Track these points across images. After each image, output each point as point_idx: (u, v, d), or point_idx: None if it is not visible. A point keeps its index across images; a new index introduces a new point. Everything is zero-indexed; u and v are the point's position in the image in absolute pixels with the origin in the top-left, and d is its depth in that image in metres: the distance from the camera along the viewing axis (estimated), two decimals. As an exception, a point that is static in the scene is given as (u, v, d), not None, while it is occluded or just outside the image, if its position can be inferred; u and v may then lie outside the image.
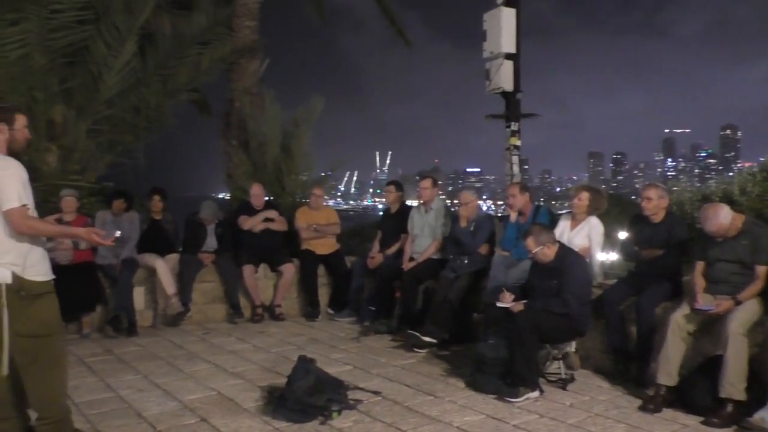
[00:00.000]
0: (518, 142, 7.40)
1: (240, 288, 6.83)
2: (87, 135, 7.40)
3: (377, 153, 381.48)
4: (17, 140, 3.10)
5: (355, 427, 3.71)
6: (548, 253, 4.50)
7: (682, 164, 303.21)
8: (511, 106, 7.34)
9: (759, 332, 3.93)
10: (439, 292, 5.80)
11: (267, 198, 7.38)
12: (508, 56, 7.16)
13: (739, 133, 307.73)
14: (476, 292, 5.71)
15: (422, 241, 6.39)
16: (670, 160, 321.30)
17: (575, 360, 4.77)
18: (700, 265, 4.28)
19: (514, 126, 7.36)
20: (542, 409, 4.02)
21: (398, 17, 11.30)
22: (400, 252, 6.64)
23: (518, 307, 4.48)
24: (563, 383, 4.48)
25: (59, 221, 5.68)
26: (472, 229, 5.89)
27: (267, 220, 7.05)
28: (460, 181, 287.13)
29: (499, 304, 4.64)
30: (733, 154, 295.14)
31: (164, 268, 6.45)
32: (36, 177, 6.42)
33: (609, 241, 5.91)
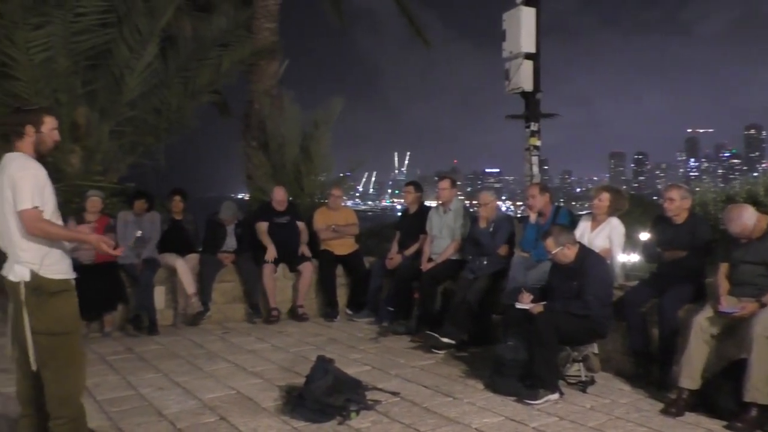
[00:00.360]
0: (538, 143, 7.34)
1: (259, 288, 6.87)
2: (109, 136, 7.49)
3: (396, 153, 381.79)
4: (44, 142, 3.12)
5: (374, 427, 3.71)
6: (568, 254, 4.46)
7: (706, 164, 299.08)
8: (531, 106, 7.29)
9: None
10: (457, 293, 5.78)
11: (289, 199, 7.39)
12: (528, 56, 7.11)
13: (764, 133, 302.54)
14: (495, 294, 5.68)
15: (441, 242, 6.37)
16: (693, 160, 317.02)
17: (596, 362, 4.72)
18: (723, 267, 4.22)
19: (533, 126, 7.31)
20: (562, 412, 3.98)
21: (417, 17, 11.30)
22: (418, 253, 6.62)
23: (538, 308, 4.44)
24: (583, 386, 4.44)
25: (82, 221, 5.79)
26: (491, 230, 5.86)
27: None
28: (479, 182, 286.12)
29: (518, 306, 4.62)
30: (757, 154, 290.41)
31: (184, 267, 6.51)
32: (60, 178, 6.53)
33: (630, 243, 5.86)
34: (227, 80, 8.78)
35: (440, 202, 6.48)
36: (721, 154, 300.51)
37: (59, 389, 3.06)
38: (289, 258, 7.03)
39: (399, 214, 8.47)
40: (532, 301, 4.57)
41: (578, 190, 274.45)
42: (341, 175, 9.48)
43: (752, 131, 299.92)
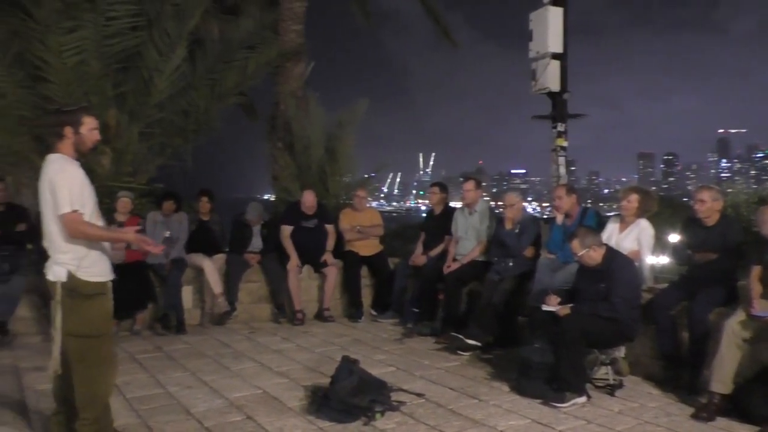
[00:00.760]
0: (565, 143, 7.28)
1: (284, 288, 6.91)
2: (139, 138, 7.60)
3: (420, 154, 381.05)
4: (84, 143, 3.14)
5: (399, 428, 3.71)
6: (594, 255, 4.40)
7: (737, 165, 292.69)
8: (558, 107, 7.22)
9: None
10: (483, 295, 5.75)
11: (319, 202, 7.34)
12: (555, 56, 7.05)
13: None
14: (521, 295, 5.63)
15: (466, 243, 6.35)
16: (724, 161, 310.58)
17: (624, 366, 4.65)
18: (756, 270, 4.13)
19: (560, 127, 7.25)
20: (589, 415, 3.93)
21: (443, 18, 11.27)
22: (443, 254, 6.61)
23: (564, 310, 4.40)
24: (611, 389, 4.38)
25: (112, 221, 5.89)
26: (517, 231, 5.82)
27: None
28: (505, 183, 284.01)
29: (544, 308, 4.57)
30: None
31: (211, 267, 6.59)
32: (91, 179, 6.61)
33: (659, 245, 5.76)
34: (253, 82, 8.84)
35: (465, 203, 6.46)
36: (753, 155, 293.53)
37: (86, 390, 3.10)
38: (314, 260, 7.05)
39: (424, 215, 8.45)
40: (559, 304, 4.53)
41: (606, 191, 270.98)
42: (366, 176, 9.50)
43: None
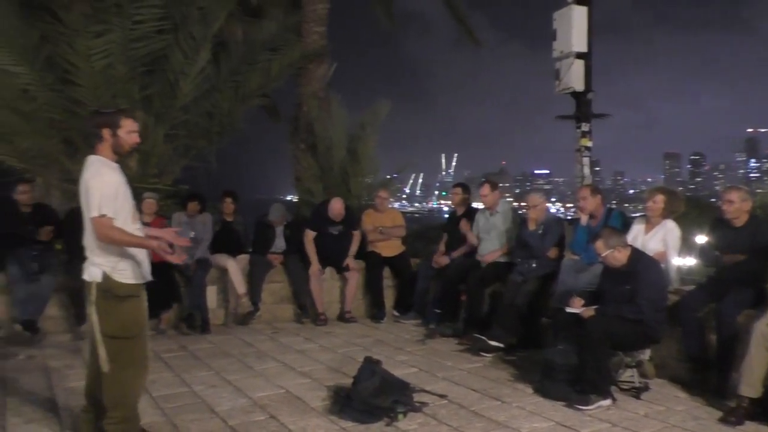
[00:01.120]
0: (589, 143, 7.20)
1: (307, 289, 6.95)
2: (164, 140, 7.70)
3: (443, 155, 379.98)
4: (121, 145, 3.16)
5: (421, 429, 3.71)
6: (618, 257, 4.35)
7: (767, 165, 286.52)
8: (582, 107, 7.15)
9: None
10: (506, 296, 5.72)
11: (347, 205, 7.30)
12: (579, 55, 6.98)
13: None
14: (545, 297, 5.59)
15: (488, 243, 6.32)
16: (753, 160, 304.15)
17: (650, 368, 4.59)
18: (786, 272, 4.04)
19: (584, 126, 7.17)
20: (615, 418, 3.89)
21: (467, 18, 11.22)
22: (466, 255, 6.59)
23: (589, 312, 4.35)
24: (637, 392, 4.32)
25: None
26: (540, 232, 5.78)
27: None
28: (528, 183, 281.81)
29: (568, 310, 4.53)
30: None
31: (235, 268, 6.65)
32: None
33: (686, 246, 5.68)
34: (277, 84, 8.90)
35: (485, 206, 6.44)
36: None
37: (115, 390, 3.13)
38: (337, 264, 7.07)
39: (446, 216, 8.43)
40: (583, 306, 4.48)
41: (631, 191, 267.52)
42: (388, 176, 9.51)
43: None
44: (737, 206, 4.47)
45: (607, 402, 4.09)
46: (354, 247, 7.10)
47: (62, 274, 6.04)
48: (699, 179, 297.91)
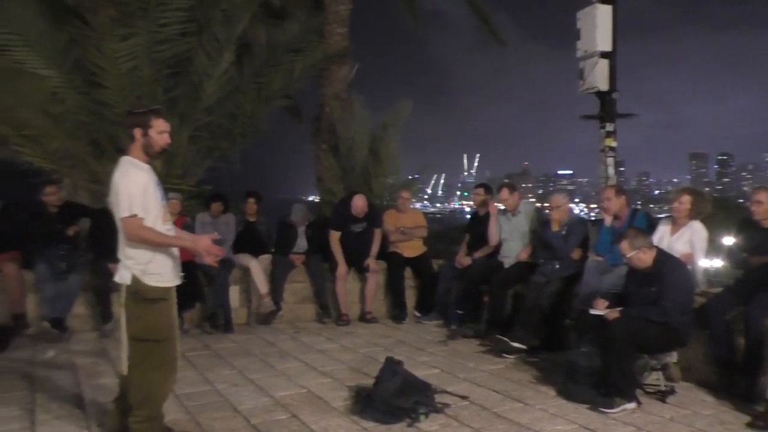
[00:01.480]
0: (614, 143, 7.13)
1: (328, 289, 6.97)
2: (188, 141, 7.78)
3: (465, 155, 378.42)
4: (152, 145, 3.15)
5: (442, 430, 3.70)
6: (643, 258, 4.29)
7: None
8: (606, 106, 7.08)
9: None
10: (529, 297, 5.67)
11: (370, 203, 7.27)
12: (604, 54, 6.91)
13: None
14: (568, 298, 5.54)
15: (511, 244, 6.29)
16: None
17: (676, 371, 4.52)
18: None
19: (609, 126, 7.10)
20: (639, 422, 3.84)
21: (490, 18, 11.15)
22: (488, 255, 6.56)
23: (613, 314, 4.30)
24: (662, 395, 4.26)
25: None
26: (563, 233, 5.73)
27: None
28: (551, 184, 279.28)
29: (592, 312, 4.48)
30: None
31: (258, 268, 6.70)
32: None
33: (713, 247, 5.59)
34: (299, 85, 8.94)
35: (507, 209, 6.42)
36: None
37: (142, 389, 3.15)
38: (359, 263, 7.07)
39: (468, 216, 8.40)
40: (607, 307, 4.43)
41: (656, 192, 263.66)
42: (410, 177, 9.51)
43: None
44: (766, 207, 4.39)
45: (632, 405, 4.03)
46: (375, 247, 7.09)
47: (88, 273, 6.15)
48: (726, 180, 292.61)
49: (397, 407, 3.80)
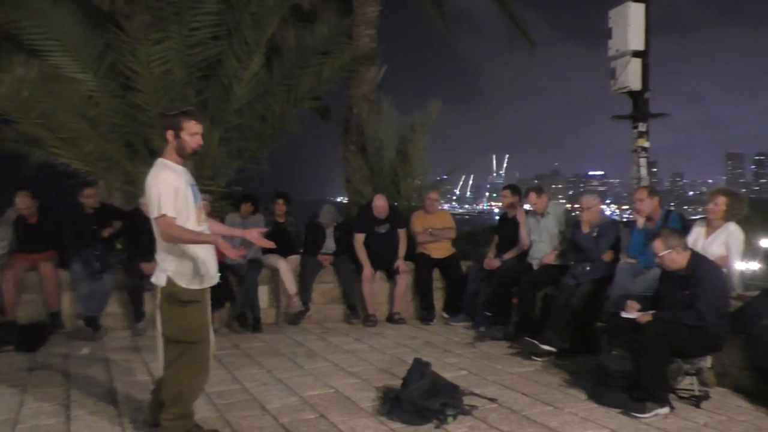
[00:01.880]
0: (646, 144, 7.01)
1: (356, 290, 6.99)
2: (218, 143, 7.89)
3: (494, 156, 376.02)
4: (184, 147, 3.16)
5: (471, 432, 3.67)
6: (677, 258, 4.20)
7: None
8: (639, 106, 6.97)
9: None
10: (559, 299, 5.61)
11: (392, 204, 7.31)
12: (636, 53, 6.81)
13: None
14: (599, 301, 5.46)
15: (541, 246, 6.23)
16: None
17: (710, 376, 4.42)
18: None
19: (641, 127, 6.99)
20: (672, 427, 3.76)
21: (520, 17, 11.07)
22: (517, 257, 6.50)
23: (645, 318, 4.22)
24: (697, 401, 4.17)
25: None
26: (594, 234, 5.64)
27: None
28: (582, 185, 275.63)
29: (624, 315, 4.41)
30: None
31: (286, 268, 6.75)
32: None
33: (749, 250, 5.45)
34: (328, 87, 9.00)
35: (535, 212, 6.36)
36: None
37: (174, 388, 3.20)
38: (387, 265, 7.08)
39: (496, 217, 8.34)
40: (639, 311, 4.35)
41: (690, 193, 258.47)
42: (438, 178, 9.48)
43: None
44: (806, 208, 4.26)
45: (665, 410, 3.95)
46: (402, 248, 7.09)
47: (122, 273, 6.28)
48: (763, 180, 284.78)
49: (425, 408, 3.79)
